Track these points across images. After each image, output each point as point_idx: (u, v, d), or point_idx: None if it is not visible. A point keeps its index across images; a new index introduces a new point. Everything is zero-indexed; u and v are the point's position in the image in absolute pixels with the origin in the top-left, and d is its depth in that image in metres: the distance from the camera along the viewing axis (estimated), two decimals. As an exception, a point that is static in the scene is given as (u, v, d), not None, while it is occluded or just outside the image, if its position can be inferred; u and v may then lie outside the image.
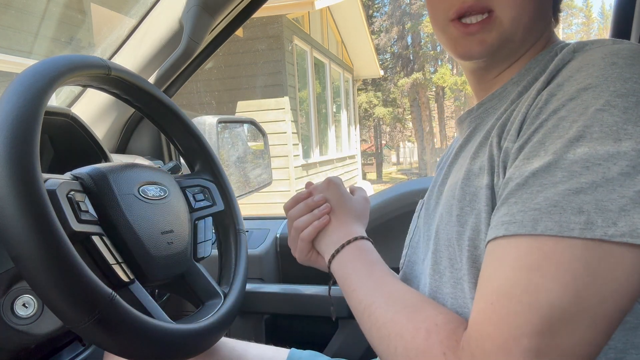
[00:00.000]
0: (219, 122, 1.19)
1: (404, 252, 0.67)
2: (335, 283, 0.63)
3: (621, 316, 0.39)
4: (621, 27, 1.06)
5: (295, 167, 7.35)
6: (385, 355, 0.49)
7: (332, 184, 0.71)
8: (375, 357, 0.74)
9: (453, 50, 0.56)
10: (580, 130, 0.41)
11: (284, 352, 0.83)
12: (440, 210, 0.56)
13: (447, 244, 0.52)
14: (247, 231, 1.28)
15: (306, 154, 8.16)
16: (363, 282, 0.56)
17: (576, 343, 0.38)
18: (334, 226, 0.66)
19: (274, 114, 7.13)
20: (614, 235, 0.37)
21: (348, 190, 0.74)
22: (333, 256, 0.63)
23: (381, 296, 0.53)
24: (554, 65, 0.48)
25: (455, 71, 18.30)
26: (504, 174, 0.47)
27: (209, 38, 1.16)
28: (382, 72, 14.03)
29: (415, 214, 0.69)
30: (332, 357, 0.83)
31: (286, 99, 7.14)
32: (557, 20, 0.60)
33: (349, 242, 0.63)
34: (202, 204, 0.80)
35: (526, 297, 0.38)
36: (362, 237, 0.64)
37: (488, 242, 0.43)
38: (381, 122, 21.81)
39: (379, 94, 20.12)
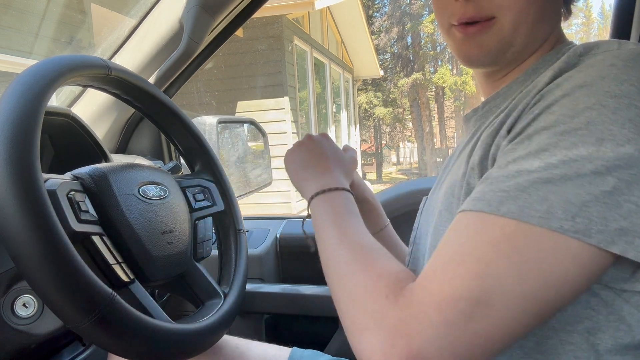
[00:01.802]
0: (219, 122, 1.19)
1: (409, 249, 0.68)
2: (309, 217, 0.64)
3: (556, 307, 0.41)
4: (621, 27, 1.06)
5: (295, 167, 7.32)
6: (339, 295, 0.50)
7: (327, 136, 0.75)
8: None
9: (456, 53, 0.58)
10: (567, 126, 0.42)
11: (286, 350, 0.83)
12: (439, 207, 0.56)
13: None
14: (247, 231, 1.28)
15: (306, 154, 8.14)
16: (333, 230, 0.57)
17: (507, 317, 0.39)
18: (323, 168, 0.67)
19: (274, 114, 7.12)
20: (569, 230, 0.38)
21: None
22: (316, 194, 0.63)
23: (345, 244, 0.54)
24: (557, 67, 0.48)
25: (455, 71, 18.30)
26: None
27: (209, 38, 1.16)
28: (382, 72, 14.03)
29: (419, 212, 0.69)
30: (332, 356, 0.83)
31: (286, 99, 7.14)
32: (569, 12, 0.60)
33: (335, 188, 0.63)
34: (202, 204, 0.80)
35: (475, 267, 0.40)
36: (345, 189, 0.64)
37: (458, 213, 0.45)
38: (381, 122, 21.80)
39: (379, 94, 20.10)
